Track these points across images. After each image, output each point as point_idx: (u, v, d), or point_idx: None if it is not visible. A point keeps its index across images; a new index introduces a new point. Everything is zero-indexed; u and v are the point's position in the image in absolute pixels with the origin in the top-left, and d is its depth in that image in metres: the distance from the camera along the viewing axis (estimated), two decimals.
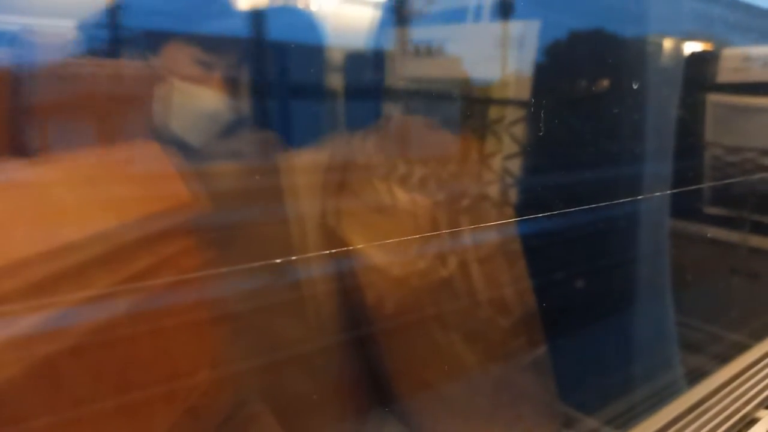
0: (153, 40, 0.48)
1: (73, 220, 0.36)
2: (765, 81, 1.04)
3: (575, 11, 0.75)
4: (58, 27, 0.42)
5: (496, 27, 0.69)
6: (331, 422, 0.58)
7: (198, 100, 0.53)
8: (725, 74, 1.04)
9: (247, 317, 0.49)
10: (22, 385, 0.31)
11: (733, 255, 1.10)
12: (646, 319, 0.89)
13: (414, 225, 0.59)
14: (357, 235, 0.57)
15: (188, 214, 0.43)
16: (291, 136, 0.56)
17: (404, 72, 0.65)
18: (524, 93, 0.72)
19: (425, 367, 0.63)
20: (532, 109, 0.70)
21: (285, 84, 0.57)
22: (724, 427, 0.74)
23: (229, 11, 0.54)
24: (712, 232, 1.06)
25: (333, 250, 0.54)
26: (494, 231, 0.64)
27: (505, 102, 0.72)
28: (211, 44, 0.52)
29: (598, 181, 0.76)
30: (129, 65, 0.46)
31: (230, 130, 0.54)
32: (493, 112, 0.72)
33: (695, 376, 0.83)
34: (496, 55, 0.70)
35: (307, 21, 0.59)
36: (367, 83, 0.65)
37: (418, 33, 0.66)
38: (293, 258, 0.51)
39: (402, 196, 0.59)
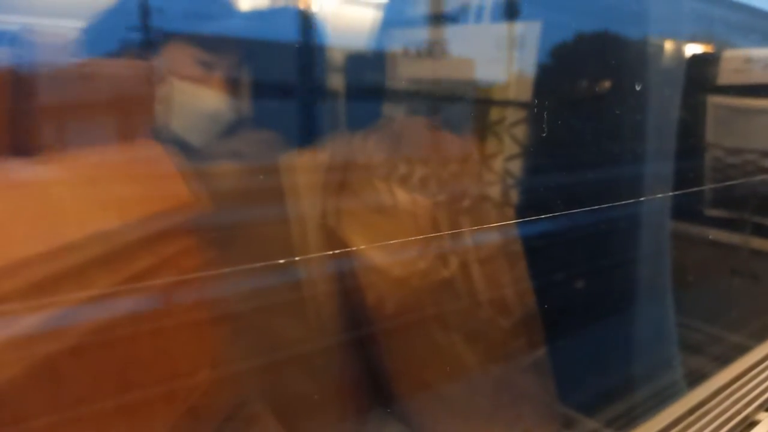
0: (154, 40, 0.48)
1: (74, 219, 0.36)
2: (766, 83, 1.03)
3: (576, 12, 0.75)
4: (58, 27, 0.42)
5: (497, 28, 0.69)
6: (331, 422, 0.58)
7: (199, 100, 0.53)
8: (726, 76, 1.04)
9: (247, 317, 0.49)
10: (22, 385, 0.31)
11: (734, 256, 1.10)
12: (647, 320, 0.89)
13: (415, 226, 0.59)
14: (357, 235, 0.57)
15: (189, 214, 0.43)
16: (291, 136, 0.56)
17: (405, 72, 0.65)
18: (526, 94, 0.72)
19: (426, 367, 0.63)
20: (535, 110, 0.70)
21: (290, 84, 0.57)
22: (724, 430, 0.74)
23: (231, 11, 0.54)
24: (713, 233, 1.06)
25: (333, 251, 0.54)
26: (495, 232, 0.64)
27: (506, 103, 0.72)
28: (212, 44, 0.52)
29: (598, 183, 0.76)
30: (130, 65, 0.46)
31: (231, 129, 0.54)
32: (495, 112, 0.72)
33: (695, 378, 0.83)
34: (497, 56, 0.70)
35: (307, 21, 0.59)
36: (367, 83, 0.65)
37: (419, 33, 0.66)
38: (294, 258, 0.51)
39: (403, 197, 0.59)
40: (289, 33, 0.56)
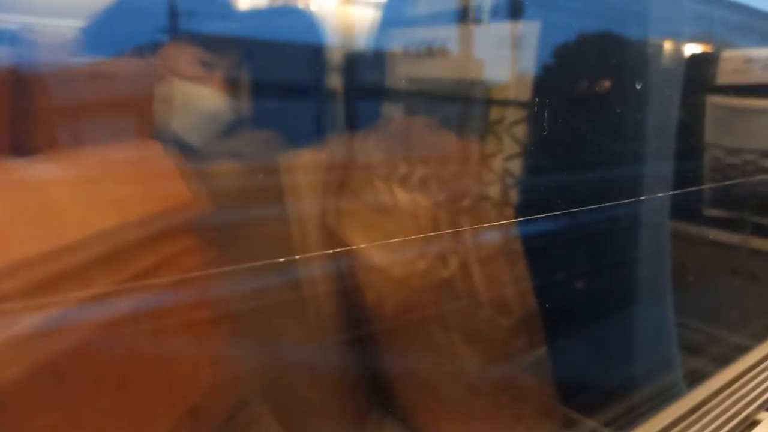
0: (154, 40, 0.48)
1: (75, 219, 0.36)
2: (765, 83, 1.04)
3: (576, 12, 0.75)
4: (58, 26, 0.42)
5: (497, 28, 0.69)
6: (331, 422, 0.58)
7: (199, 100, 0.53)
8: (726, 76, 1.04)
9: (248, 317, 0.49)
10: (23, 385, 0.31)
11: (734, 256, 1.10)
12: (647, 320, 0.89)
13: (415, 225, 0.59)
14: (357, 235, 0.57)
15: (189, 213, 0.43)
16: (291, 136, 0.56)
17: (405, 72, 0.65)
18: (526, 93, 0.72)
19: (425, 367, 0.63)
20: (535, 110, 0.70)
21: (286, 83, 0.57)
22: (724, 430, 0.74)
23: (230, 11, 0.54)
24: (713, 233, 1.06)
25: (333, 250, 0.54)
26: (495, 231, 0.64)
27: (506, 102, 0.72)
28: (213, 44, 0.52)
29: (598, 182, 0.76)
30: (130, 64, 0.46)
31: (231, 129, 0.54)
32: (495, 112, 0.72)
33: (696, 378, 0.83)
34: (498, 55, 0.70)
35: (308, 21, 0.59)
36: (366, 83, 0.65)
37: (418, 33, 0.66)
38: (294, 258, 0.51)
39: (403, 197, 0.59)
40: (288, 33, 0.56)
